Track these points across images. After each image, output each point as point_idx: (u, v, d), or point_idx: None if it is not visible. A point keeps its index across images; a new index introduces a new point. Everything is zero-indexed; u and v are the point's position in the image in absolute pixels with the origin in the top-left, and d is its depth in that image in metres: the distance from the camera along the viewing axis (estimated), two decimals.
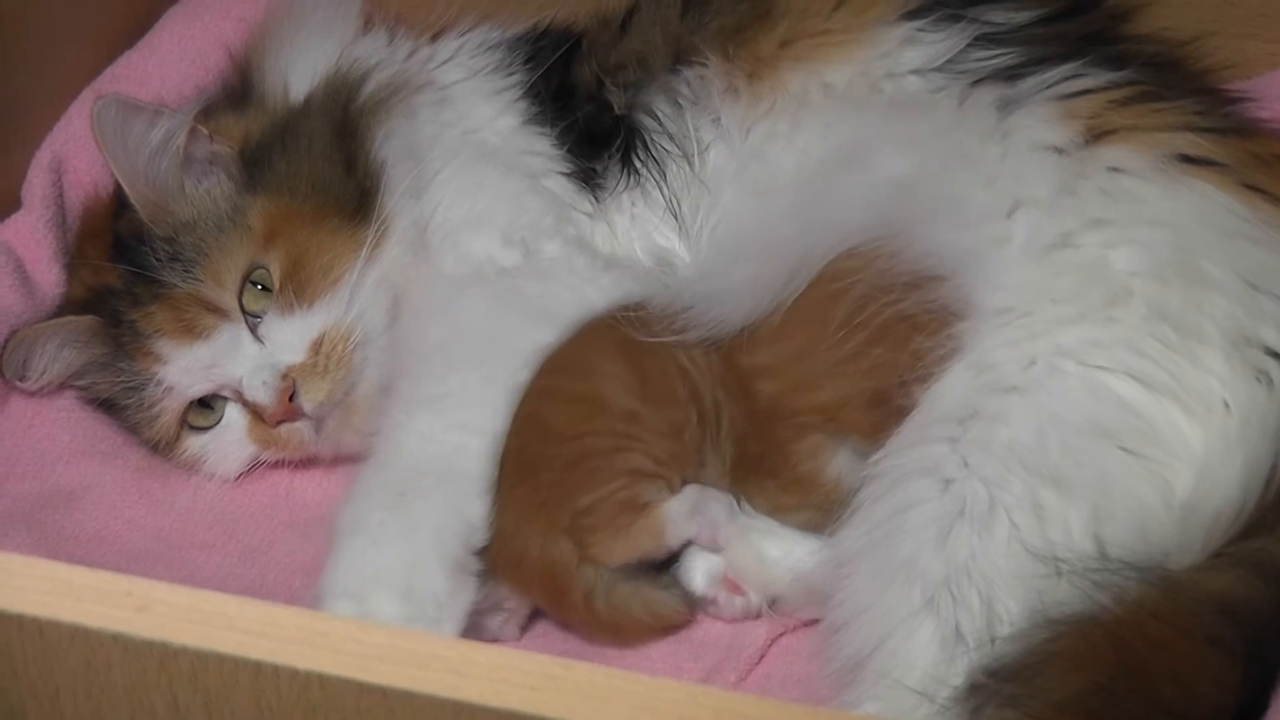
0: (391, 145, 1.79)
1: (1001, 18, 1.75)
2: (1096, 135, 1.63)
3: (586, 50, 1.87)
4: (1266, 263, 1.55)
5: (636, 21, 1.86)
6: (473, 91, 1.88)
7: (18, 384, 1.82)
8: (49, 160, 1.89)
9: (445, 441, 1.64)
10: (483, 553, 1.60)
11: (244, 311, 1.73)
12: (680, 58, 1.82)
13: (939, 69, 1.74)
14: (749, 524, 1.62)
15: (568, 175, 1.82)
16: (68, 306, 1.84)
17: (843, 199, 1.64)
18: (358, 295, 1.73)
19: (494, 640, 1.63)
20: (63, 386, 1.84)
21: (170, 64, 1.97)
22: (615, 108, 1.83)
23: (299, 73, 1.82)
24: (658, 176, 1.80)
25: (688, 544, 1.63)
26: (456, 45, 1.92)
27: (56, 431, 1.82)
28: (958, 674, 1.40)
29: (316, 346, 1.72)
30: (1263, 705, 1.31)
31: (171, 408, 1.76)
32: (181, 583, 1.13)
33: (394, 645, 1.08)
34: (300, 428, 1.73)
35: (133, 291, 1.75)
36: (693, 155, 1.80)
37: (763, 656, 1.62)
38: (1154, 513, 1.46)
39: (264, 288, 1.73)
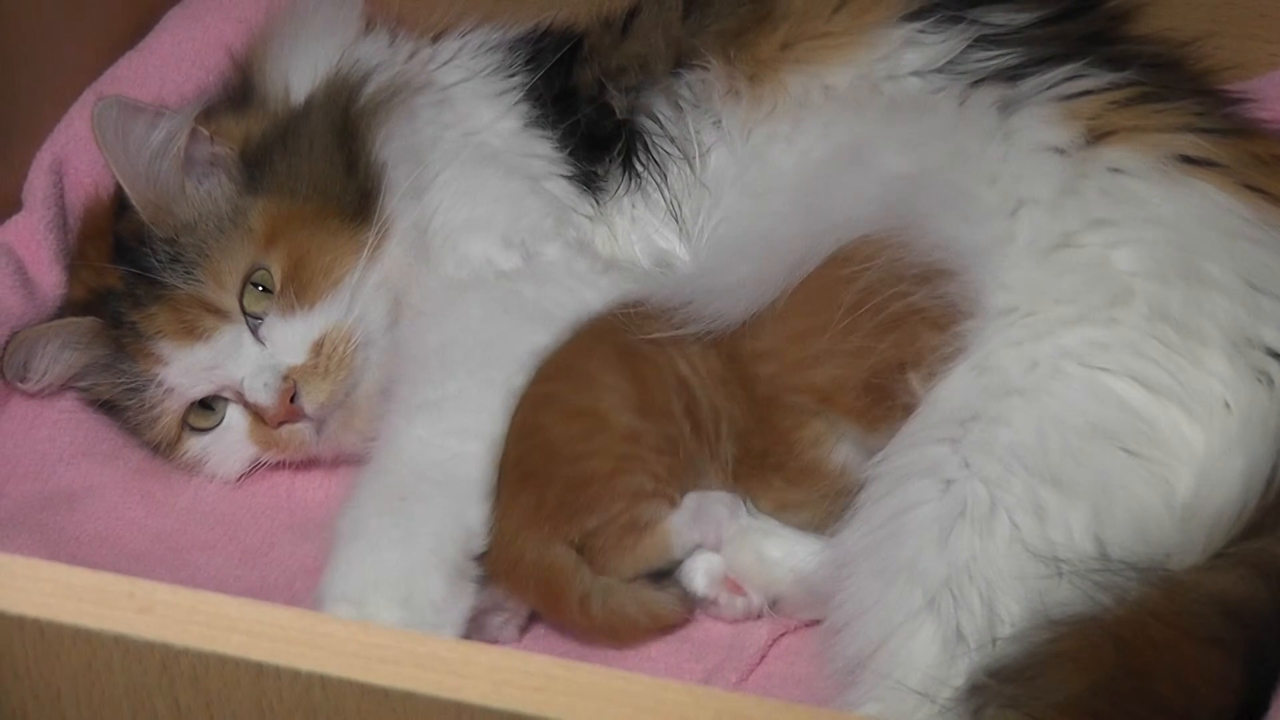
0: (392, 147, 1.79)
1: (1002, 19, 1.75)
2: (1097, 136, 1.63)
3: (588, 53, 1.87)
4: (1267, 263, 1.55)
5: (637, 24, 1.86)
6: (473, 93, 1.88)
7: (18, 385, 1.82)
8: (50, 161, 1.90)
9: (444, 447, 1.64)
10: (482, 558, 1.60)
11: (245, 313, 1.73)
12: (681, 60, 1.82)
13: (939, 70, 1.74)
14: (749, 524, 1.62)
15: (569, 178, 1.82)
16: (68, 308, 1.84)
17: (845, 198, 1.65)
18: (359, 296, 1.73)
19: (494, 641, 1.63)
20: (63, 388, 1.84)
21: (171, 65, 1.97)
22: (617, 111, 1.83)
23: (300, 74, 1.82)
24: (658, 179, 1.80)
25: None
26: (457, 46, 1.92)
27: (57, 433, 1.82)
28: (959, 675, 1.40)
29: (317, 348, 1.72)
30: (1264, 705, 1.31)
31: (172, 409, 1.76)
32: (182, 584, 1.13)
33: (395, 646, 1.08)
34: (301, 429, 1.73)
35: (133, 293, 1.75)
36: (694, 158, 1.80)
37: (764, 657, 1.62)
38: (1155, 513, 1.46)
39: (265, 289, 1.73)
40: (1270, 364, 1.51)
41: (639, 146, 1.82)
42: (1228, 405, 1.49)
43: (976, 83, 1.71)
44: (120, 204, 1.80)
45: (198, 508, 1.78)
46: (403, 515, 1.59)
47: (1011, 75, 1.70)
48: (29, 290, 1.83)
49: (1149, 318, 1.51)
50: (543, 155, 1.83)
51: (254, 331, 1.73)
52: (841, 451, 1.62)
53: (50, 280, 1.85)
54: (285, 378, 1.71)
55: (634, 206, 1.82)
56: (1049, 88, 1.67)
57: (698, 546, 1.63)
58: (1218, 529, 1.44)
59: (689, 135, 1.81)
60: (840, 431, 1.61)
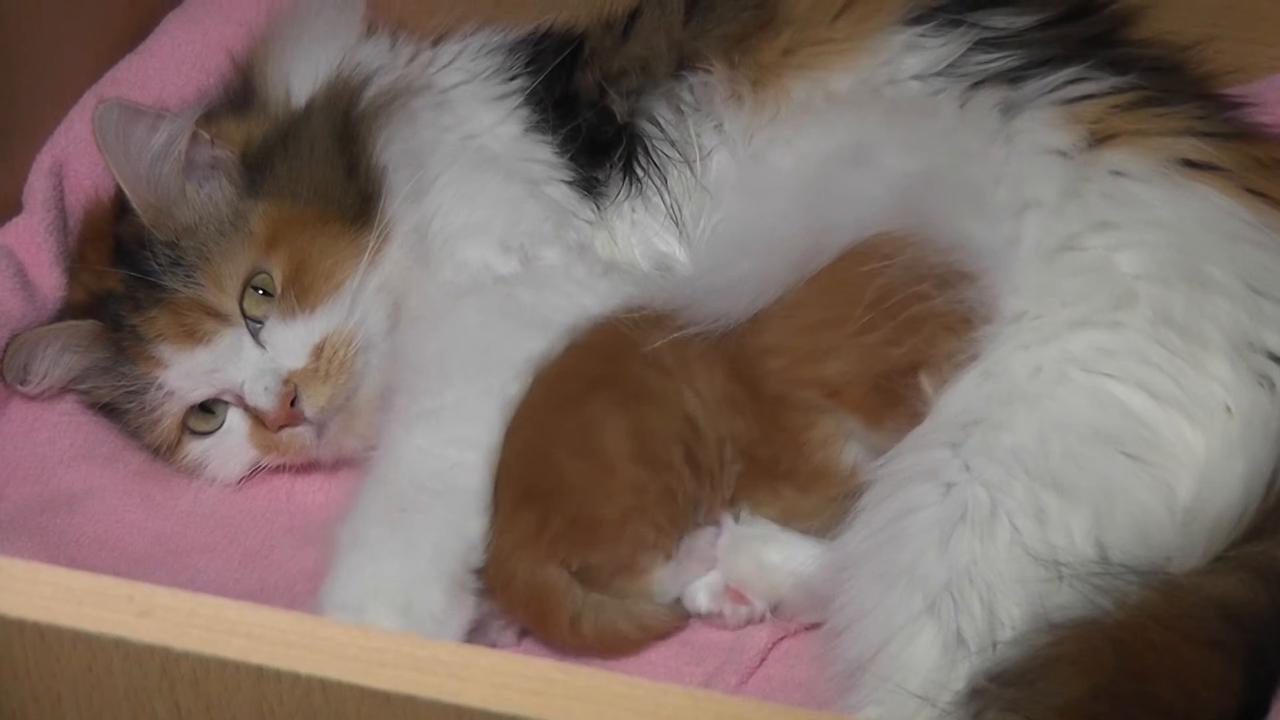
0: (393, 150, 1.78)
1: (1002, 22, 1.75)
2: (1099, 139, 1.63)
3: (588, 56, 1.87)
4: (1269, 266, 1.56)
5: (639, 27, 1.86)
6: (473, 96, 1.88)
7: (18, 388, 1.82)
8: (50, 164, 1.89)
9: (443, 457, 1.63)
10: (480, 571, 1.60)
11: (245, 316, 1.72)
12: (684, 63, 1.82)
13: (940, 73, 1.74)
14: (744, 533, 1.63)
15: (569, 183, 1.82)
16: (68, 311, 1.83)
17: (849, 197, 1.65)
18: (359, 300, 1.73)
19: (493, 645, 1.63)
20: (63, 391, 1.84)
21: (171, 68, 1.97)
22: (617, 115, 1.82)
23: (301, 77, 1.82)
24: (659, 182, 1.80)
25: None
26: (458, 49, 1.92)
27: (57, 435, 1.82)
28: (959, 678, 1.40)
29: (318, 351, 1.71)
30: (1264, 709, 1.31)
31: (172, 412, 1.76)
32: (182, 587, 1.13)
33: (395, 650, 1.08)
34: (302, 432, 1.73)
35: (134, 296, 1.75)
36: (694, 161, 1.80)
37: (764, 660, 1.63)
38: (1156, 517, 1.46)
39: (265, 293, 1.73)
40: (1271, 368, 1.51)
41: (639, 150, 1.81)
42: (1229, 409, 1.49)
43: (977, 85, 1.71)
44: (121, 207, 1.80)
45: (198, 511, 1.78)
46: (403, 526, 1.59)
47: (1012, 77, 1.70)
48: (29, 293, 1.83)
49: (1153, 321, 1.52)
50: (543, 160, 1.82)
51: (254, 335, 1.72)
52: (851, 452, 1.62)
53: (50, 283, 1.85)
54: (286, 381, 1.70)
55: (634, 210, 1.82)
56: (1050, 91, 1.68)
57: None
58: (1218, 533, 1.44)
59: (690, 138, 1.81)
60: (848, 430, 1.61)
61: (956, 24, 1.76)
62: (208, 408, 1.77)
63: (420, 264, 1.77)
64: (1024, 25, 1.75)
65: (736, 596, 1.62)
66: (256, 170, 1.77)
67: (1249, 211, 1.58)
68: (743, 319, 1.64)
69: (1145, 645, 1.33)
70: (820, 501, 1.61)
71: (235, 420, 1.77)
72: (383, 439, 1.68)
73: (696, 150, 1.81)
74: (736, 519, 1.65)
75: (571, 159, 1.83)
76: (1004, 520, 1.45)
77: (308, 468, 1.81)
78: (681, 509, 1.62)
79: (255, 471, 1.79)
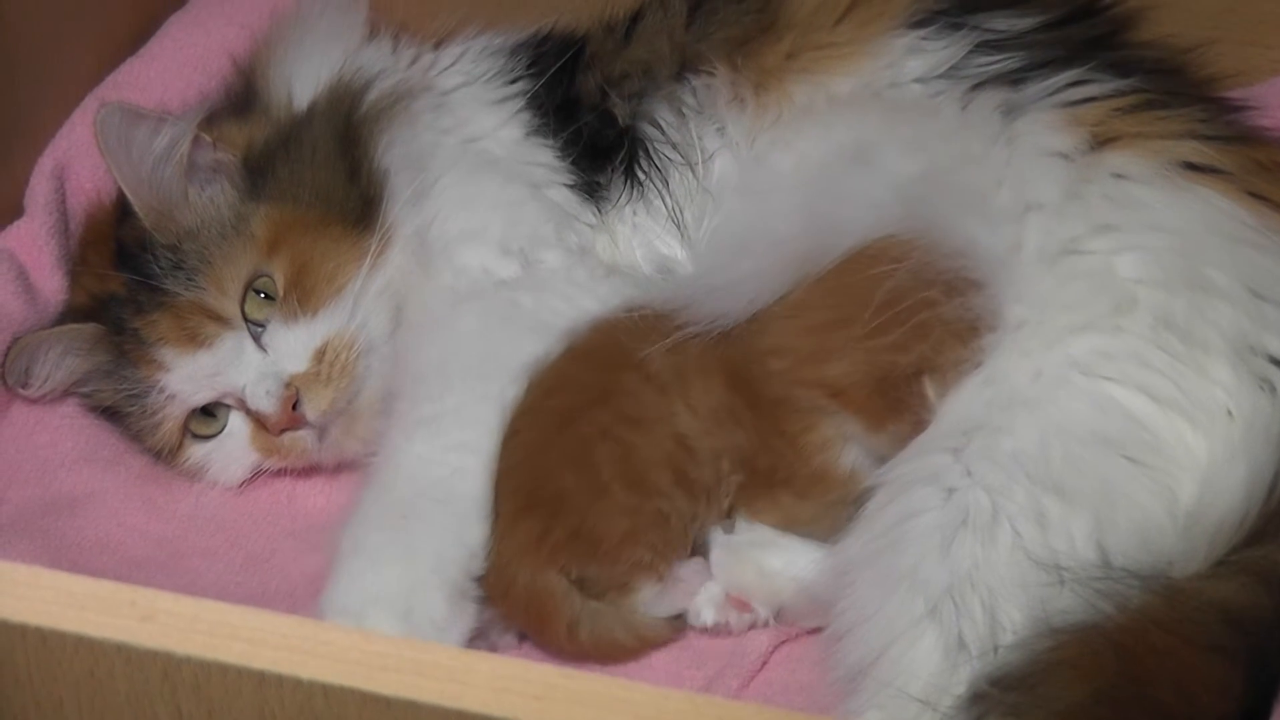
0: (394, 153, 1.78)
1: (1004, 24, 1.76)
2: (1101, 142, 1.63)
3: (589, 59, 1.87)
4: (1271, 270, 1.56)
5: (640, 30, 1.86)
6: (473, 98, 1.88)
7: (20, 391, 1.82)
8: (51, 167, 1.90)
9: (444, 463, 1.63)
10: (481, 579, 1.60)
11: (247, 320, 1.72)
12: (686, 66, 1.82)
13: (941, 76, 1.74)
14: (742, 540, 1.63)
15: (570, 187, 1.82)
16: (70, 314, 1.83)
17: (849, 198, 1.65)
18: (361, 304, 1.73)
19: (493, 645, 1.63)
20: (65, 394, 1.84)
21: (173, 71, 1.97)
22: (619, 118, 1.83)
23: (303, 80, 1.82)
24: (660, 185, 1.80)
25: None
26: (459, 52, 1.92)
27: (59, 439, 1.82)
28: (960, 683, 1.40)
29: (320, 355, 1.71)
30: (1265, 713, 1.31)
31: (174, 415, 1.76)
32: (183, 590, 1.13)
33: (397, 654, 1.08)
34: (303, 436, 1.73)
35: (135, 299, 1.75)
36: (696, 164, 1.80)
37: (765, 664, 1.63)
38: (1157, 521, 1.46)
39: (267, 296, 1.73)
40: (1273, 372, 1.51)
41: (641, 153, 1.82)
42: (1230, 413, 1.49)
43: (978, 86, 1.71)
44: (122, 210, 1.80)
45: (199, 514, 1.78)
46: (404, 532, 1.59)
47: (1014, 79, 1.71)
48: (31, 296, 1.83)
49: (1154, 326, 1.51)
50: (544, 164, 1.82)
51: (256, 339, 1.72)
52: (850, 456, 1.62)
53: (52, 286, 1.85)
54: (287, 385, 1.70)
55: (635, 214, 1.82)
56: (1052, 93, 1.68)
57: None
58: (1220, 537, 1.44)
59: (692, 141, 1.81)
60: (848, 434, 1.61)
61: (958, 27, 1.76)
62: (209, 411, 1.77)
63: (421, 268, 1.77)
64: (1025, 27, 1.75)
65: (740, 605, 1.62)
66: (258, 173, 1.77)
67: (1250, 214, 1.58)
68: (742, 319, 1.64)
69: (1146, 649, 1.32)
70: (818, 508, 1.61)
71: (237, 424, 1.77)
72: (383, 445, 1.68)
73: (698, 153, 1.81)
74: (731, 528, 1.65)
75: (573, 163, 1.83)
76: (1005, 524, 1.45)
77: (309, 471, 1.81)
78: (676, 530, 1.62)
79: (257, 475, 1.80)
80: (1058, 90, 1.68)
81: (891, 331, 1.55)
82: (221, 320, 1.73)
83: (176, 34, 2.01)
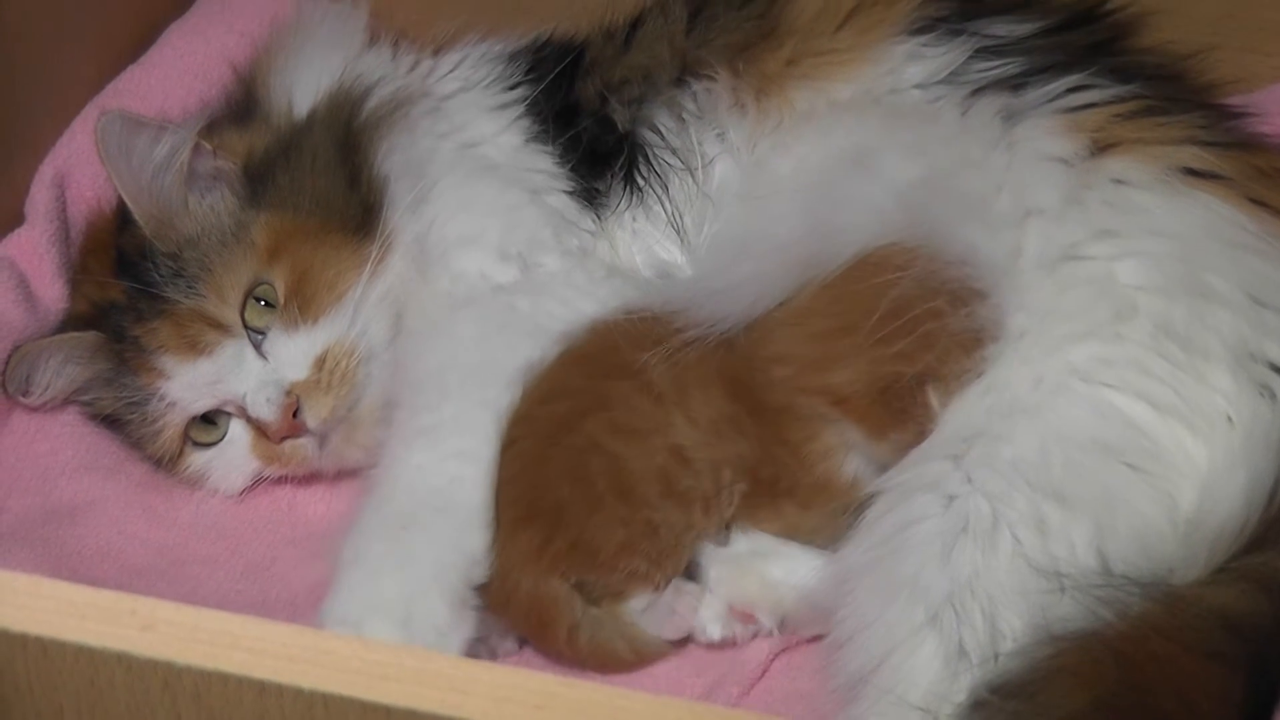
0: (394, 160, 1.78)
1: (1003, 30, 1.76)
2: (1101, 148, 1.63)
3: (589, 65, 1.87)
4: (1271, 277, 1.56)
5: (641, 36, 1.86)
6: (472, 104, 1.88)
7: (21, 399, 1.82)
8: (52, 175, 1.89)
9: (443, 472, 1.63)
10: (481, 588, 1.60)
11: (247, 327, 1.72)
12: (687, 70, 1.82)
13: (941, 81, 1.75)
14: (742, 552, 1.63)
15: (570, 193, 1.82)
16: (71, 322, 1.83)
17: (849, 203, 1.65)
18: (361, 311, 1.73)
19: (493, 651, 1.63)
20: (66, 402, 1.84)
21: (173, 79, 1.97)
22: (618, 124, 1.83)
23: (303, 88, 1.82)
24: (660, 191, 1.80)
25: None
26: (458, 58, 1.92)
27: (59, 447, 1.82)
28: (961, 690, 1.40)
29: (320, 363, 1.71)
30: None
31: (174, 423, 1.76)
32: (183, 598, 1.13)
33: (397, 664, 1.08)
34: (304, 444, 1.73)
35: (136, 307, 1.75)
36: (696, 169, 1.81)
37: (765, 672, 1.62)
38: (1158, 528, 1.46)
39: (267, 303, 1.73)
40: (1273, 378, 1.51)
41: (640, 159, 1.82)
42: (1230, 420, 1.49)
43: (978, 91, 1.71)
44: (123, 218, 1.80)
45: (200, 522, 1.78)
46: (404, 542, 1.58)
47: (1014, 84, 1.71)
48: (31, 304, 1.83)
49: (1154, 334, 1.51)
50: (544, 170, 1.82)
51: (256, 346, 1.72)
52: (852, 464, 1.62)
53: (52, 294, 1.85)
54: (288, 393, 1.70)
55: (635, 220, 1.82)
56: (1052, 98, 1.68)
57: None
58: (1220, 543, 1.44)
59: (692, 146, 1.81)
60: (850, 442, 1.61)
61: (958, 33, 1.76)
62: (210, 419, 1.77)
63: (421, 274, 1.77)
64: (1025, 33, 1.75)
65: (744, 617, 1.62)
66: (258, 181, 1.77)
67: (1251, 220, 1.59)
68: (741, 324, 1.64)
69: (1147, 657, 1.32)
70: (821, 517, 1.61)
71: (237, 431, 1.77)
72: (383, 455, 1.67)
73: (698, 158, 1.81)
74: (725, 541, 1.65)
75: (572, 169, 1.83)
76: (1005, 532, 1.45)
77: (310, 479, 1.81)
78: (667, 541, 1.62)
79: (257, 483, 1.79)
80: (1058, 96, 1.68)
81: (896, 341, 1.55)
82: (222, 328, 1.73)
83: (177, 42, 2.01)
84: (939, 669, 1.41)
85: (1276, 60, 1.94)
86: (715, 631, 1.62)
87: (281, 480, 1.80)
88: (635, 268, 1.81)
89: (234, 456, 1.77)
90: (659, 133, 1.82)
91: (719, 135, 1.81)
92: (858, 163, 1.68)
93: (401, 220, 1.77)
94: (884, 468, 1.57)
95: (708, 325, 1.63)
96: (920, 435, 1.55)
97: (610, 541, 1.60)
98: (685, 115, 1.82)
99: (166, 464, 1.79)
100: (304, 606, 1.64)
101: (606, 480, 1.61)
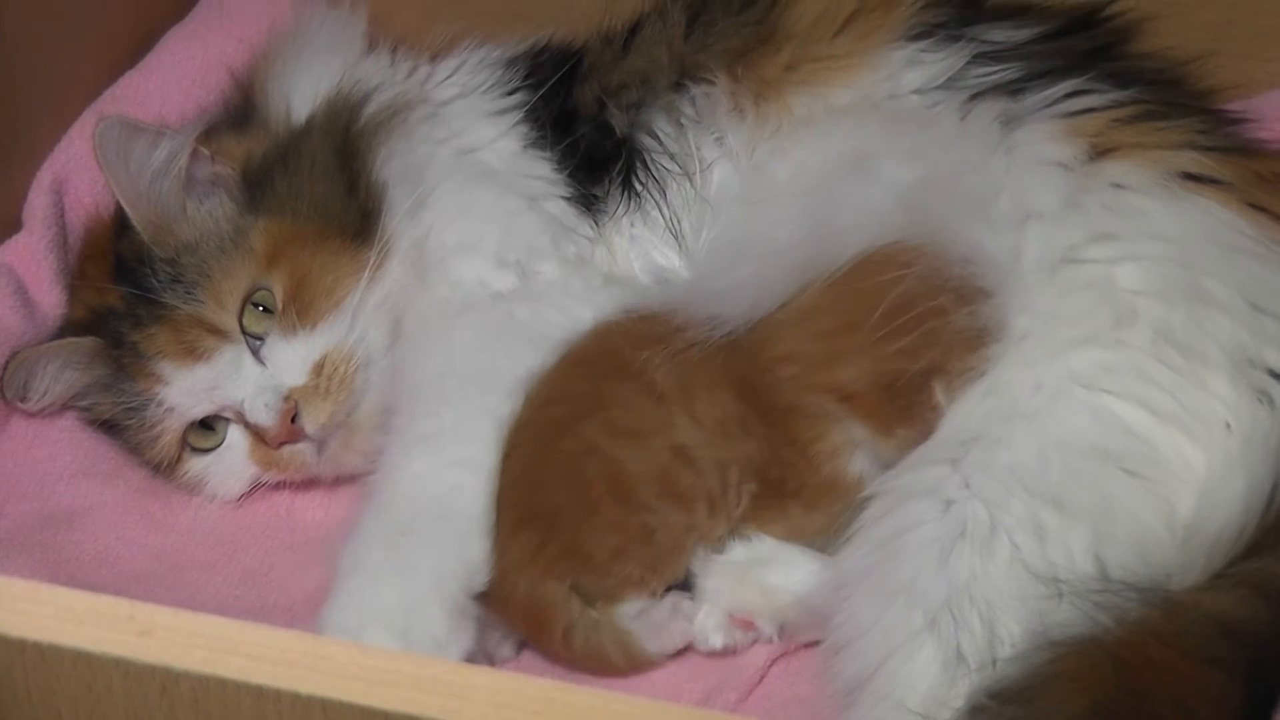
0: (392, 166, 1.78)
1: (1001, 35, 1.76)
2: (1100, 152, 1.64)
3: (587, 70, 1.87)
4: (1269, 282, 1.56)
5: (639, 41, 1.86)
6: (469, 109, 1.88)
7: (19, 405, 1.81)
8: (50, 181, 1.89)
9: (442, 480, 1.63)
10: (481, 596, 1.60)
11: (245, 333, 1.72)
12: (685, 75, 1.82)
13: (940, 87, 1.75)
14: (740, 560, 1.63)
15: (568, 199, 1.82)
16: (69, 328, 1.83)
17: (848, 206, 1.65)
18: (360, 317, 1.73)
19: (491, 657, 1.63)
20: (64, 407, 1.84)
21: (171, 85, 1.97)
22: (616, 129, 1.83)
23: (301, 94, 1.82)
24: (658, 196, 1.80)
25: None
26: (456, 64, 1.92)
27: (58, 452, 1.82)
28: (959, 695, 1.40)
29: (318, 368, 1.71)
30: None
31: (172, 429, 1.76)
32: (182, 604, 1.13)
33: (396, 669, 1.08)
34: (302, 449, 1.73)
35: (134, 313, 1.75)
36: (694, 174, 1.80)
37: (763, 677, 1.62)
38: (1155, 534, 1.46)
39: (266, 309, 1.73)
40: (1271, 384, 1.52)
41: (638, 164, 1.82)
42: (1229, 426, 1.49)
43: (976, 96, 1.71)
44: (121, 224, 1.80)
45: (198, 528, 1.78)
46: (403, 550, 1.58)
47: (1013, 89, 1.71)
48: (29, 310, 1.82)
49: (1154, 340, 1.52)
50: (541, 176, 1.82)
51: (255, 352, 1.72)
52: (858, 463, 1.62)
53: (50, 300, 1.85)
54: (286, 398, 1.70)
55: (633, 225, 1.82)
56: (1051, 103, 1.68)
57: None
58: (1218, 549, 1.44)
59: (690, 151, 1.81)
60: (857, 440, 1.61)
61: (956, 39, 1.76)
62: (208, 424, 1.77)
63: (419, 280, 1.77)
64: (1024, 38, 1.75)
65: (744, 625, 1.62)
66: (257, 187, 1.77)
67: (1249, 225, 1.59)
68: (741, 326, 1.64)
69: (1145, 662, 1.32)
70: (826, 519, 1.61)
71: (235, 437, 1.77)
72: (382, 462, 1.67)
73: (696, 163, 1.81)
74: (720, 549, 1.65)
75: (570, 175, 1.83)
76: (1003, 537, 1.45)
77: (308, 485, 1.80)
78: (664, 544, 1.61)
79: (255, 488, 1.79)
80: (1056, 100, 1.68)
81: (901, 337, 1.55)
82: (220, 333, 1.73)
83: (175, 48, 2.01)
84: (937, 674, 1.41)
85: (1275, 66, 1.94)
86: (717, 641, 1.62)
87: (280, 486, 1.80)
88: (633, 274, 1.81)
89: (232, 462, 1.77)
90: (657, 138, 1.82)
91: (717, 140, 1.81)
92: (856, 167, 1.68)
93: (400, 226, 1.76)
94: (889, 467, 1.57)
95: (708, 327, 1.64)
96: (927, 432, 1.55)
97: (604, 547, 1.60)
98: (683, 120, 1.82)
99: (164, 469, 1.79)
100: (302, 612, 1.64)
101: (603, 484, 1.60)
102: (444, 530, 1.60)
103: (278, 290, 1.72)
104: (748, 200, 1.77)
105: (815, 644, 1.59)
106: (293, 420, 1.70)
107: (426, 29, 1.95)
